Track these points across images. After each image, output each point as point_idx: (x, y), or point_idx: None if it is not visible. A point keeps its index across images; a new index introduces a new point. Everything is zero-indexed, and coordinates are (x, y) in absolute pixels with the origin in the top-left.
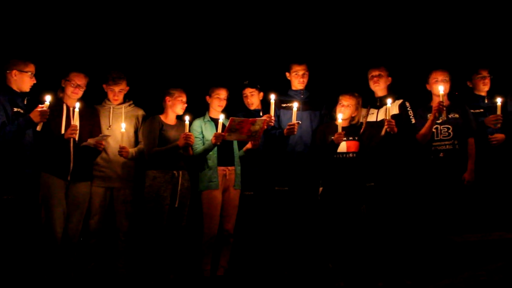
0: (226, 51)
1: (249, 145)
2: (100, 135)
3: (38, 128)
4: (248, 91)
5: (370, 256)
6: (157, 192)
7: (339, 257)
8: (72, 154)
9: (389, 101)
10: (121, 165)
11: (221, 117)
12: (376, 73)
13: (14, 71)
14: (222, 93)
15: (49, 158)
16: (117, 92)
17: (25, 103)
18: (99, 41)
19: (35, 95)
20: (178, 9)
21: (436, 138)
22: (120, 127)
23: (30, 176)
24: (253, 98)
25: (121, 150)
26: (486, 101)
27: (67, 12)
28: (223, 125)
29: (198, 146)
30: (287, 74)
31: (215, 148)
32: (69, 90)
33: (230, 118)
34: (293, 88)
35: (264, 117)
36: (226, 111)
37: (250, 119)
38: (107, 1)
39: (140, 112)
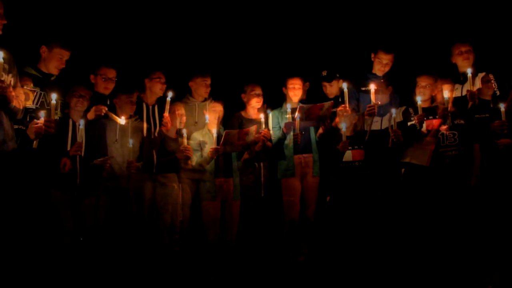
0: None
1: (246, 155)
2: (106, 157)
3: (34, 145)
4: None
5: (379, 263)
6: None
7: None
8: (79, 170)
9: (393, 110)
10: (127, 179)
11: (214, 131)
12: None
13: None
14: (218, 107)
15: (55, 175)
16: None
17: (28, 120)
18: (106, 55)
19: None
20: (182, 17)
21: (442, 144)
22: (127, 141)
23: (35, 188)
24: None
25: (129, 165)
26: (491, 106)
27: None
28: (218, 138)
29: (197, 158)
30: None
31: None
32: (73, 101)
33: (225, 131)
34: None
35: (263, 132)
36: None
37: (244, 130)
38: (109, 17)
39: (145, 125)
